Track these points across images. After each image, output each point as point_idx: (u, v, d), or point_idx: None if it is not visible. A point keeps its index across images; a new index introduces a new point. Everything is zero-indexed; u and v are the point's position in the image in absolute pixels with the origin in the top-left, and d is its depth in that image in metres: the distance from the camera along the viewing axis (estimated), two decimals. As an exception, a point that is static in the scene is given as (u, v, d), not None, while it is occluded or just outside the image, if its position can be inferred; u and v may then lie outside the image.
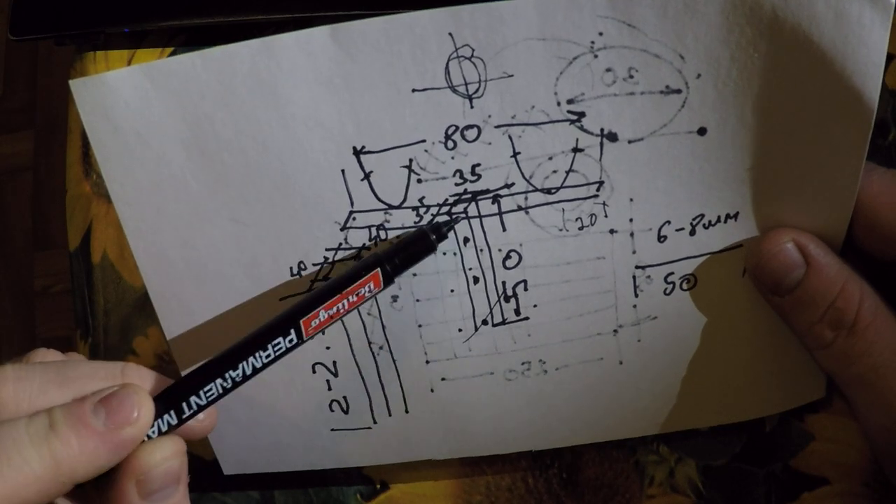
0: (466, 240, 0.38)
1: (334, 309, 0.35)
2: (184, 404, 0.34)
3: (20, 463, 0.28)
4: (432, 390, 0.40)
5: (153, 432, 0.33)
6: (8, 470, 0.28)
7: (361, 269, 0.35)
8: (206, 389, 0.34)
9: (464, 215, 0.37)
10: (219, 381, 0.34)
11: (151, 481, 0.32)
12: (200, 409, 0.34)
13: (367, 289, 0.35)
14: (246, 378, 0.35)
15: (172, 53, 0.44)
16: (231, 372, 0.34)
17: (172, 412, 0.34)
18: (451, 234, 0.38)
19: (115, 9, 0.42)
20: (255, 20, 0.41)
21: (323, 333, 0.40)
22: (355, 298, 0.35)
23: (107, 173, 0.37)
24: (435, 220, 0.37)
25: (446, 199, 0.37)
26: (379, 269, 0.35)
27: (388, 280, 0.36)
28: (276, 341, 0.35)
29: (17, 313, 1.42)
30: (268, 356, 0.35)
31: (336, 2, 0.40)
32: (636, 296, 0.38)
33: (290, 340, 0.35)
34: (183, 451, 0.33)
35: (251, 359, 0.35)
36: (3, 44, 1.50)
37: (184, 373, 0.39)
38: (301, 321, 0.35)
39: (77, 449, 0.29)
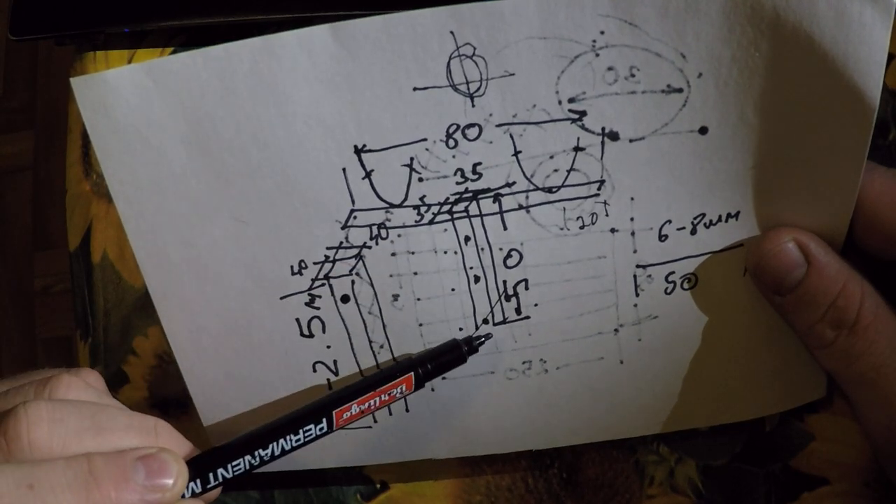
0: (467, 238, 0.38)
1: (366, 405, 0.37)
2: (210, 475, 0.35)
3: None
4: (433, 389, 0.40)
5: None
6: None
7: (396, 372, 0.38)
8: (234, 464, 0.35)
9: (493, 335, 0.39)
10: (247, 457, 0.36)
11: None
12: (225, 481, 0.35)
13: (399, 390, 0.38)
14: (273, 458, 0.36)
15: (172, 53, 0.44)
16: (260, 451, 0.36)
17: (198, 481, 0.35)
18: (453, 236, 0.38)
19: (115, 9, 0.42)
20: (255, 20, 0.41)
21: (317, 334, 0.40)
22: (387, 398, 0.38)
23: (107, 171, 0.37)
24: (468, 336, 0.39)
25: (447, 198, 0.37)
26: (412, 373, 0.38)
27: (419, 384, 0.38)
28: (307, 428, 0.37)
29: (17, 313, 1.42)
30: (297, 441, 0.36)
31: (336, 2, 0.40)
32: (637, 295, 0.38)
33: (321, 428, 0.37)
34: None
35: (282, 441, 0.36)
36: (3, 44, 1.50)
37: (193, 392, 0.41)
38: (334, 412, 0.37)
39: (114, 501, 0.29)
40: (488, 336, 0.39)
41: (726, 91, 0.34)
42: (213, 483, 0.35)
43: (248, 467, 0.36)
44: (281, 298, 0.39)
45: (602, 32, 0.33)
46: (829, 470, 0.40)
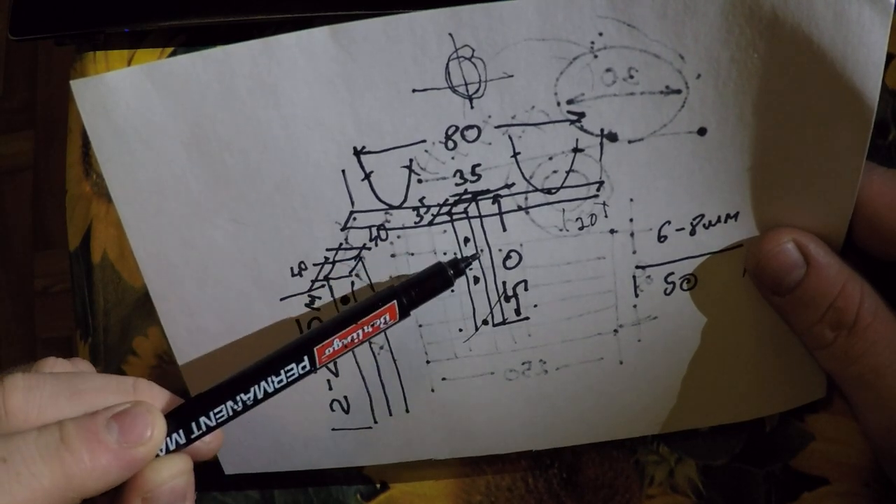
0: (467, 240, 0.38)
1: (349, 338, 0.36)
2: (193, 424, 0.34)
3: (29, 477, 0.28)
4: (433, 390, 0.40)
5: (161, 450, 0.33)
6: (17, 485, 0.28)
7: (378, 301, 0.36)
8: (216, 411, 0.34)
9: (481, 253, 0.38)
10: (229, 403, 0.35)
11: (157, 499, 0.32)
12: (209, 430, 0.34)
13: (382, 320, 0.36)
14: (256, 402, 0.35)
15: (172, 53, 0.44)
16: (242, 395, 0.35)
17: (181, 431, 0.34)
18: (452, 237, 0.38)
19: (115, 9, 0.42)
20: (255, 20, 0.41)
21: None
22: (370, 329, 0.36)
23: (107, 173, 0.37)
24: (454, 258, 0.38)
25: (447, 199, 0.37)
26: (395, 301, 0.36)
27: (404, 313, 0.36)
28: (289, 367, 0.35)
29: (17, 313, 1.42)
30: (280, 382, 0.35)
31: (336, 2, 0.40)
32: (636, 296, 0.38)
33: (303, 367, 0.35)
34: (190, 470, 0.33)
35: (263, 383, 0.35)
36: (3, 44, 1.50)
37: (194, 393, 0.39)
38: (315, 349, 0.35)
39: (88, 465, 0.29)
40: (475, 256, 0.38)
41: (725, 92, 0.34)
42: (196, 433, 0.34)
43: (230, 413, 0.35)
44: (281, 300, 0.39)
45: (600, 34, 0.33)
46: (829, 470, 0.40)
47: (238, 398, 0.35)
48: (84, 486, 0.29)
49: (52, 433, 0.29)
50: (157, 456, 0.33)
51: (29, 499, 0.28)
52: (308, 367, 0.35)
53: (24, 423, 0.30)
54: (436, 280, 0.37)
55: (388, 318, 0.36)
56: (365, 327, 0.36)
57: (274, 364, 0.35)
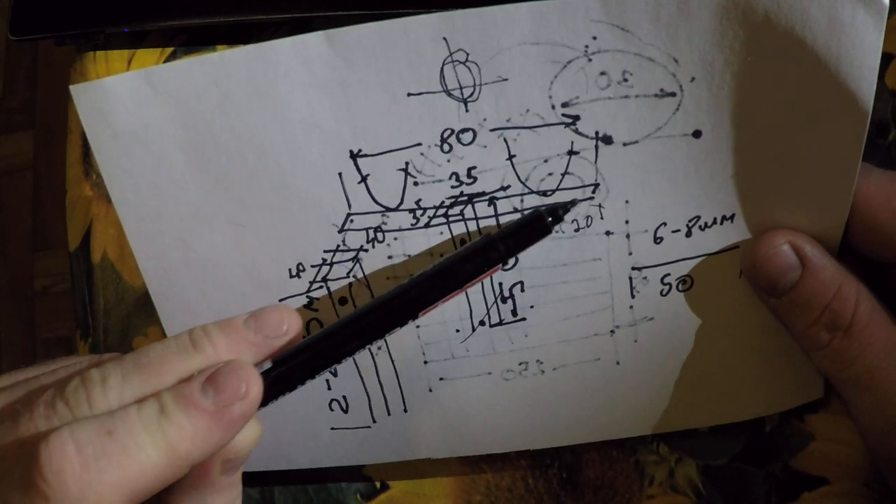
0: (463, 241, 0.38)
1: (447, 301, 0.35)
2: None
3: (136, 451, 0.28)
4: (430, 390, 0.41)
5: None
6: (126, 459, 0.28)
7: (481, 261, 0.35)
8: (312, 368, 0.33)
9: (583, 199, 0.37)
10: (323, 362, 0.34)
11: (237, 459, 0.32)
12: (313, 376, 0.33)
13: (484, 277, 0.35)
14: (353, 352, 0.34)
15: (172, 53, 0.44)
16: (353, 342, 0.34)
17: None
18: (449, 239, 0.38)
19: (115, 9, 0.42)
20: (254, 20, 0.41)
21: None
22: (466, 287, 0.35)
23: (107, 177, 0.37)
24: (552, 204, 0.36)
25: (443, 202, 0.37)
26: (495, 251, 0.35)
27: (503, 260, 0.35)
28: (389, 328, 0.34)
29: (17, 313, 1.42)
30: (377, 344, 0.35)
31: (336, 2, 0.40)
32: (633, 297, 0.38)
33: (400, 327, 0.35)
34: (260, 434, 0.33)
35: (362, 345, 0.34)
36: (3, 44, 1.50)
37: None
38: (420, 312, 0.35)
39: (190, 431, 0.29)
40: (574, 202, 0.37)
41: (719, 95, 0.34)
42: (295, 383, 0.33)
43: (323, 370, 0.34)
44: (279, 301, 0.39)
45: (594, 38, 0.34)
46: (829, 470, 0.40)
47: (338, 357, 0.34)
48: (190, 453, 0.29)
49: (151, 405, 0.29)
50: None
51: (139, 472, 0.28)
52: (404, 326, 0.35)
53: (109, 409, 0.30)
54: (534, 227, 0.35)
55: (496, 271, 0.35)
56: (466, 289, 0.35)
57: (377, 326, 0.34)
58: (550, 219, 0.35)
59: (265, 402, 0.32)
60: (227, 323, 0.32)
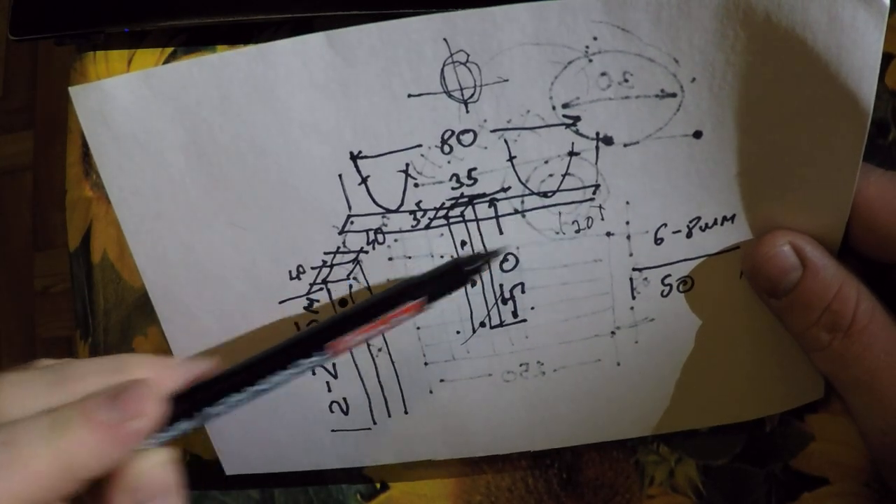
0: (463, 243, 0.38)
1: (366, 335, 0.35)
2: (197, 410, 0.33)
3: (29, 459, 0.28)
4: (431, 392, 0.41)
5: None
6: (20, 468, 0.28)
7: (401, 295, 0.35)
8: (222, 399, 0.33)
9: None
10: (234, 394, 0.33)
11: (142, 489, 0.32)
12: (217, 415, 0.34)
13: (404, 316, 0.35)
14: (261, 393, 0.34)
15: (172, 53, 0.44)
16: (249, 385, 0.34)
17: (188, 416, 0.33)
18: (449, 241, 0.38)
19: (115, 9, 0.42)
20: (254, 20, 0.41)
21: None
22: (388, 325, 0.35)
23: (107, 179, 0.37)
24: (472, 255, 0.37)
25: (443, 203, 0.37)
26: (425, 296, 0.35)
27: (425, 305, 0.36)
28: (301, 360, 0.34)
29: (17, 313, 1.42)
30: (289, 374, 0.34)
31: (336, 2, 0.40)
32: (633, 298, 0.38)
33: (315, 360, 0.34)
34: (174, 459, 0.33)
35: (274, 375, 0.34)
36: (3, 44, 1.50)
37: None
38: (329, 343, 0.34)
39: (84, 442, 0.29)
40: (495, 253, 0.37)
41: (720, 95, 0.34)
42: (198, 418, 0.33)
43: (234, 403, 0.33)
44: (279, 303, 0.39)
45: (595, 38, 0.33)
46: (829, 470, 0.40)
47: (245, 388, 0.33)
48: (83, 464, 0.29)
49: (51, 417, 0.30)
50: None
51: (31, 481, 0.28)
52: (319, 360, 0.34)
53: (21, 416, 0.30)
54: (451, 278, 0.36)
55: (409, 313, 0.35)
56: (384, 325, 0.35)
57: (287, 354, 0.34)
58: (468, 268, 0.36)
59: (173, 423, 0.33)
60: (82, 405, 0.31)
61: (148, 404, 0.31)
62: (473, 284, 0.38)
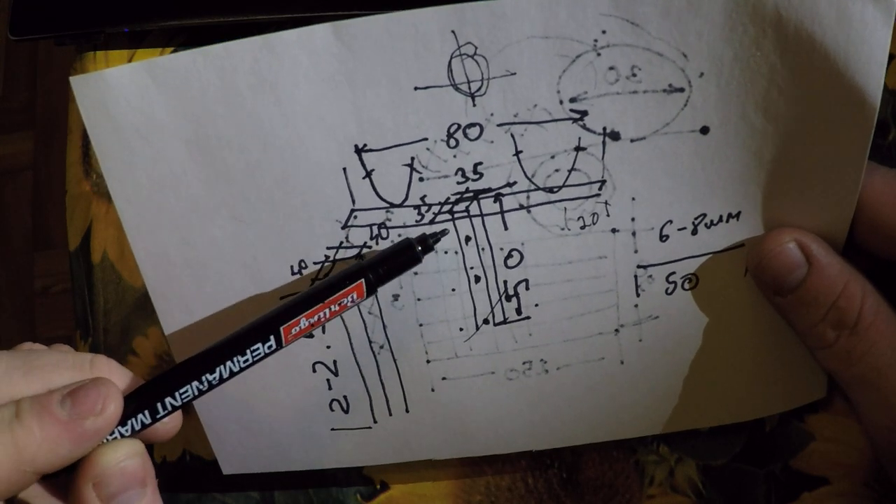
0: (468, 238, 0.38)
1: (315, 317, 0.35)
2: (158, 405, 0.34)
3: None
4: (433, 390, 0.40)
5: (126, 430, 0.33)
6: None
7: (345, 279, 0.35)
8: (181, 391, 0.34)
9: (448, 229, 0.37)
10: (195, 383, 0.34)
11: (108, 483, 0.31)
12: (173, 409, 0.34)
13: (349, 298, 0.35)
14: (221, 381, 0.34)
15: (173, 53, 0.44)
16: (208, 375, 0.34)
17: (146, 412, 0.33)
18: (454, 236, 0.38)
19: (115, 9, 0.42)
20: (255, 20, 0.41)
21: (316, 334, 0.40)
22: (337, 308, 0.35)
23: (107, 171, 0.37)
24: (422, 234, 0.37)
25: (448, 198, 0.37)
26: (363, 279, 0.35)
27: (372, 290, 0.35)
28: (255, 346, 0.34)
29: (17, 313, 1.42)
30: (245, 361, 0.34)
31: (337, 2, 0.40)
32: (638, 295, 0.38)
33: (269, 346, 0.35)
34: (142, 453, 0.33)
35: (228, 363, 0.34)
36: (3, 44, 1.50)
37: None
38: (282, 328, 0.35)
39: (39, 437, 0.29)
40: (444, 232, 0.37)
41: (728, 90, 0.34)
42: (161, 413, 0.33)
43: (195, 393, 0.34)
44: (281, 298, 0.39)
45: (604, 32, 0.33)
46: (829, 470, 0.40)
47: (203, 378, 0.34)
48: (36, 458, 0.29)
49: (8, 409, 0.30)
50: (115, 438, 0.33)
51: None
52: (274, 347, 0.35)
53: None
54: (404, 256, 0.36)
55: (355, 295, 0.35)
56: (332, 306, 0.35)
57: (241, 343, 0.34)
58: (420, 248, 0.36)
59: (151, 422, 0.33)
60: (40, 399, 0.31)
61: (106, 402, 0.31)
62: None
